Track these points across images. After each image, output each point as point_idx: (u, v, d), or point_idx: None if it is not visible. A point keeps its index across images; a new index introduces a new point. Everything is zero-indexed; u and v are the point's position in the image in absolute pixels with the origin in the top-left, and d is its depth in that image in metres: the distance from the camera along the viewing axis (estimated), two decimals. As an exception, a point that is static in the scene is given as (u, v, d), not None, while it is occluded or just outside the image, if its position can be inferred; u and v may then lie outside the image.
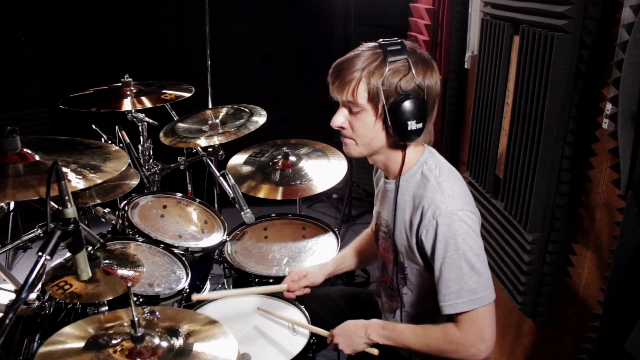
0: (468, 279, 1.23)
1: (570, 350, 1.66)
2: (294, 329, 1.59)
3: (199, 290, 2.26)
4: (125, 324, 1.34)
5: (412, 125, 1.24)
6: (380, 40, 1.29)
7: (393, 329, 1.36)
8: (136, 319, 1.23)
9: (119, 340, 1.27)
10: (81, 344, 1.25)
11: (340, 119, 1.32)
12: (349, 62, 1.27)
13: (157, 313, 1.32)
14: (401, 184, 1.36)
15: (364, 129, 1.30)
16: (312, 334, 1.53)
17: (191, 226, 2.26)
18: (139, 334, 1.23)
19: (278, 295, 1.72)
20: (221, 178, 2.29)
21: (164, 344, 1.28)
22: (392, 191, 1.38)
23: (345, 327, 1.42)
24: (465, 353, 1.26)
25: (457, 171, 1.37)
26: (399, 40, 1.27)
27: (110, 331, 1.31)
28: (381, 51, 1.25)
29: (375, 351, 1.40)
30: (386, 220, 1.44)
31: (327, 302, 1.74)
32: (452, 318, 1.27)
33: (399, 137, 1.27)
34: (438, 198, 1.25)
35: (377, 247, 1.56)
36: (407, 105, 1.23)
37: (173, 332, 1.33)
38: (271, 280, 1.96)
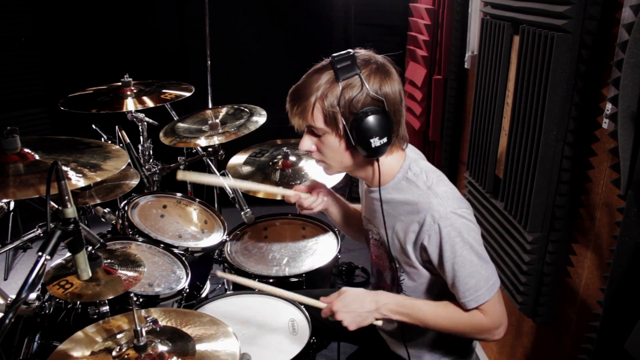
0: (480, 268, 1.24)
1: (570, 350, 1.66)
2: (294, 328, 1.59)
3: (199, 290, 2.26)
4: (128, 332, 1.35)
5: (376, 142, 1.21)
6: (332, 55, 1.24)
7: (412, 306, 1.32)
8: (139, 328, 1.24)
9: (123, 349, 1.28)
10: (86, 353, 1.27)
11: (306, 143, 1.31)
12: (303, 89, 1.25)
13: (160, 322, 1.33)
14: (387, 192, 1.35)
15: (330, 150, 1.29)
16: (312, 335, 1.53)
17: (191, 226, 2.26)
18: (141, 343, 1.24)
19: (277, 296, 1.73)
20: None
21: (167, 348, 1.29)
22: (378, 200, 1.37)
23: (349, 300, 1.32)
24: (489, 335, 1.30)
25: (441, 172, 1.36)
26: (350, 54, 1.23)
27: (113, 340, 1.32)
28: (332, 71, 1.22)
29: (379, 322, 1.35)
30: (377, 228, 1.43)
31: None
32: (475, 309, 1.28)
33: (366, 155, 1.26)
34: (434, 201, 1.24)
35: (370, 253, 1.55)
36: (367, 122, 1.19)
37: (175, 335, 1.34)
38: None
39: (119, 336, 1.34)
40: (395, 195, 1.33)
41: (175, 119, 2.64)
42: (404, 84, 3.25)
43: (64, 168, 1.32)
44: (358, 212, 1.72)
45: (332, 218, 1.69)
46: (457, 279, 1.25)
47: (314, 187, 1.59)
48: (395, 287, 1.43)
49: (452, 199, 1.26)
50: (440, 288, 1.35)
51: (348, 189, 3.74)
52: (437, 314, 1.31)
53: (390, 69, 1.26)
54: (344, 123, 1.22)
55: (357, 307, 1.31)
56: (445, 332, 1.33)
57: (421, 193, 1.27)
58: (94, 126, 2.57)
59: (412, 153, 1.39)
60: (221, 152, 2.54)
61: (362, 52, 1.27)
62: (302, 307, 1.65)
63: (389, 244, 1.37)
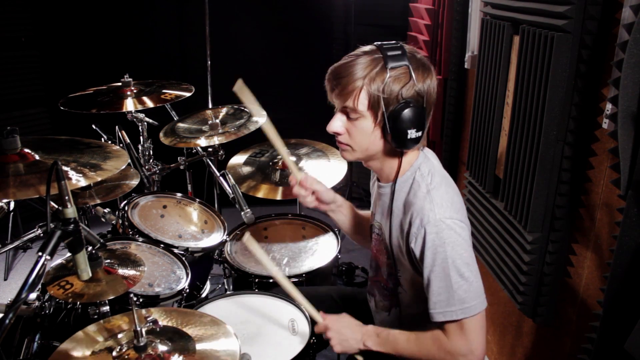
0: (457, 287, 1.21)
1: (570, 350, 1.66)
2: (294, 328, 1.59)
3: (199, 290, 2.26)
4: (128, 332, 1.35)
5: (412, 133, 1.22)
6: (379, 43, 1.25)
7: (387, 336, 1.35)
8: (139, 329, 1.24)
9: (123, 349, 1.28)
10: (87, 353, 1.27)
11: (337, 124, 1.30)
12: (349, 69, 1.23)
13: (160, 322, 1.33)
14: (395, 188, 1.35)
15: (361, 135, 1.28)
16: (312, 335, 1.53)
17: (191, 226, 2.26)
18: (142, 344, 1.25)
19: (277, 296, 1.73)
20: (221, 178, 2.29)
21: (167, 348, 1.29)
22: (386, 195, 1.37)
23: (342, 324, 1.39)
24: None
25: (451, 177, 1.35)
26: (399, 45, 1.25)
27: (114, 340, 1.32)
28: (381, 56, 1.22)
29: (360, 358, 1.39)
30: (379, 223, 1.43)
31: (327, 301, 1.74)
32: (441, 326, 1.26)
33: (397, 145, 1.26)
34: (427, 206, 1.24)
35: (371, 247, 1.55)
36: (408, 113, 1.21)
37: (175, 335, 1.34)
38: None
39: (119, 336, 1.34)
40: (402, 192, 1.33)
41: (175, 119, 2.64)
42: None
43: (64, 168, 1.32)
44: (367, 219, 1.72)
45: (339, 226, 1.70)
46: (430, 288, 1.23)
47: (314, 187, 1.57)
48: (392, 282, 1.43)
49: (446, 207, 1.24)
50: None
51: (348, 189, 3.74)
52: (408, 339, 1.32)
53: (431, 67, 1.27)
54: (384, 110, 1.22)
55: (346, 332, 1.38)
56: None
57: (420, 195, 1.27)
58: (94, 126, 2.56)
59: (427, 151, 1.39)
60: (221, 152, 2.54)
61: (407, 46, 1.27)
62: (303, 307, 1.65)
63: (391, 240, 1.37)
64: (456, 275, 1.21)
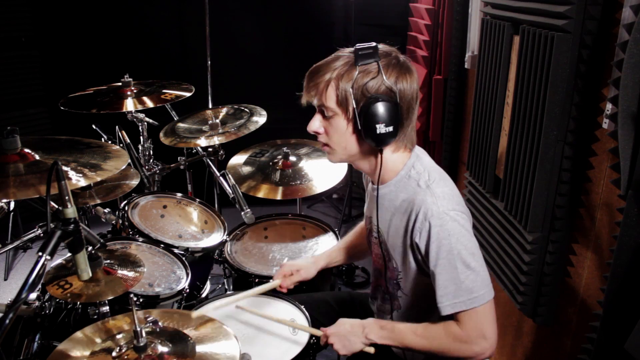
0: (464, 278, 1.22)
1: (570, 350, 1.66)
2: (294, 328, 1.58)
3: (199, 290, 2.26)
4: (128, 330, 1.35)
5: (381, 128, 1.22)
6: (357, 45, 1.27)
7: (392, 329, 1.35)
8: (139, 329, 1.24)
9: (123, 350, 1.28)
10: (86, 353, 1.27)
11: (315, 123, 1.33)
12: (322, 66, 1.28)
13: (160, 323, 1.33)
14: (390, 189, 1.35)
15: (337, 134, 1.30)
16: (312, 335, 1.53)
17: (191, 226, 2.26)
18: (141, 344, 1.25)
19: (277, 296, 1.73)
20: (221, 178, 2.29)
21: (167, 349, 1.29)
22: (381, 197, 1.37)
23: (340, 327, 1.40)
24: (469, 351, 1.26)
25: (446, 173, 1.36)
26: (374, 45, 1.26)
27: (113, 341, 1.32)
28: (353, 55, 1.25)
29: (371, 350, 1.38)
30: (375, 226, 1.43)
31: (323, 306, 1.73)
32: (452, 317, 1.26)
33: (370, 141, 1.26)
34: (429, 200, 1.24)
35: (370, 252, 1.54)
36: (376, 108, 1.21)
37: (175, 335, 1.34)
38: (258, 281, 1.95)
39: (118, 337, 1.34)
40: (397, 192, 1.33)
41: (175, 119, 2.64)
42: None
43: (64, 168, 1.32)
44: (356, 240, 1.75)
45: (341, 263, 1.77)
46: (437, 281, 1.24)
47: (290, 271, 1.67)
48: (392, 286, 1.43)
49: (448, 200, 1.25)
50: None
51: (348, 189, 3.74)
52: (416, 332, 1.31)
53: (411, 67, 1.28)
54: (354, 106, 1.24)
55: (346, 332, 1.38)
56: (429, 352, 1.31)
57: (419, 191, 1.27)
58: (94, 126, 2.56)
59: (417, 150, 1.39)
60: (221, 152, 2.54)
61: (385, 46, 1.29)
62: (303, 307, 1.65)
63: (388, 242, 1.37)
64: (462, 266, 1.22)
